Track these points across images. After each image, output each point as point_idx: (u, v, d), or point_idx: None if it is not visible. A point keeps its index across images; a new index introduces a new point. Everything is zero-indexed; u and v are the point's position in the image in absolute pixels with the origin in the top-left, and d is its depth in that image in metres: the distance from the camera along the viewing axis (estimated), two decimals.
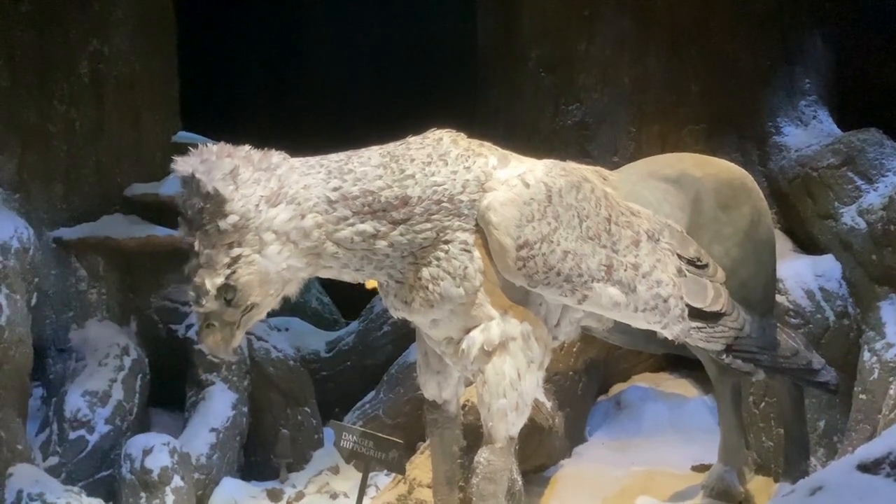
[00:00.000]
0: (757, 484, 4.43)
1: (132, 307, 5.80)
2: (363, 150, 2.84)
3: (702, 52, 6.00)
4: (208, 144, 2.69)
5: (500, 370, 2.88)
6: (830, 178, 5.11)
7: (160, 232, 5.74)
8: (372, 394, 5.81)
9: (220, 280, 2.61)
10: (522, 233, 2.80)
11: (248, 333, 5.65)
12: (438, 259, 2.80)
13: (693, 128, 5.97)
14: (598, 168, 3.34)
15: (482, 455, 2.91)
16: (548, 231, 2.84)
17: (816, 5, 6.19)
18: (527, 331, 2.91)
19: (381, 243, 2.74)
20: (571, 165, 3.11)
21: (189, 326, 5.56)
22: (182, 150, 6.59)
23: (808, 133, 5.80)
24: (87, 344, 5.34)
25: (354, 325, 6.66)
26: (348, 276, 2.84)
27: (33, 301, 4.71)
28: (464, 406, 3.63)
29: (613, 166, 3.74)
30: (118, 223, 5.76)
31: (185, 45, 6.68)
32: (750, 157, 5.80)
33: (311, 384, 5.80)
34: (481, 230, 2.82)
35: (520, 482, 3.83)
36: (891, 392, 3.13)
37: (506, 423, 2.90)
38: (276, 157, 2.72)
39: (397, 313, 2.99)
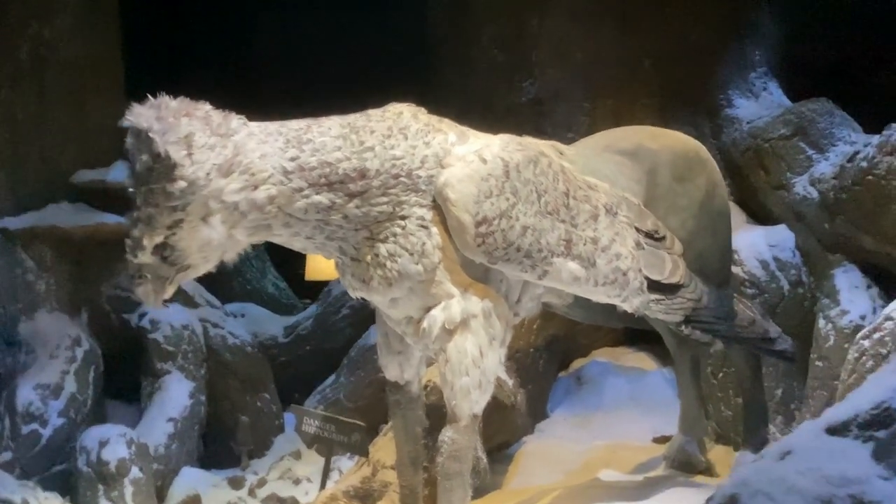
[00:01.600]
0: (717, 453, 4.47)
1: (82, 297, 5.66)
2: (324, 118, 2.77)
3: (653, 27, 6.02)
4: (166, 98, 2.57)
5: (462, 348, 2.86)
6: (782, 149, 5.16)
7: (109, 219, 5.62)
8: (332, 378, 5.78)
9: (158, 239, 2.54)
10: (481, 209, 2.77)
11: (203, 321, 5.61)
12: (395, 235, 2.76)
13: (646, 102, 5.98)
14: (553, 143, 3.33)
15: (446, 434, 2.90)
16: (506, 207, 2.82)
17: None
18: (488, 308, 2.89)
19: (336, 215, 2.69)
20: (528, 140, 3.09)
21: (142, 315, 5.47)
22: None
23: (758, 105, 5.86)
24: (38, 336, 5.22)
25: (312, 308, 6.61)
26: (298, 245, 2.78)
27: None
28: (425, 386, 3.62)
29: (568, 142, 3.72)
30: (65, 211, 5.62)
31: (128, 27, 6.52)
32: (702, 130, 5.84)
33: (270, 370, 5.74)
34: (439, 207, 2.79)
35: (484, 460, 3.84)
36: (849, 357, 3.16)
37: (469, 401, 2.88)
38: (236, 121, 2.64)
39: (355, 293, 2.94)
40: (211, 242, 2.59)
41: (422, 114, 2.90)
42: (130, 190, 2.56)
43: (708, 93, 5.94)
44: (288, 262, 8.38)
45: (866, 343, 3.07)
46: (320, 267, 9.23)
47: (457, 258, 2.83)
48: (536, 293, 3.17)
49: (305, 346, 6.41)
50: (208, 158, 2.54)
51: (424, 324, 2.87)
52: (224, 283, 7.14)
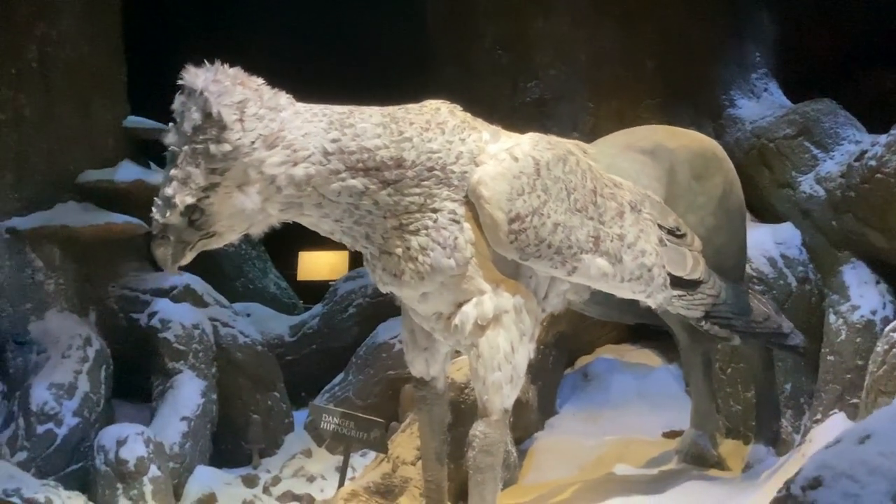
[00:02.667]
0: (728, 447, 4.54)
1: (91, 297, 5.66)
2: (366, 107, 2.81)
3: (655, 28, 6.09)
4: (223, 66, 2.60)
5: (494, 343, 2.89)
6: (787, 148, 5.23)
7: (117, 219, 5.62)
8: (341, 376, 5.80)
9: (190, 199, 2.55)
10: (514, 206, 2.81)
11: (213, 320, 5.62)
12: (427, 228, 2.78)
13: (649, 102, 6.05)
14: (577, 142, 3.38)
15: (478, 428, 2.92)
16: (538, 204, 2.86)
17: None
18: (519, 304, 2.93)
19: (367, 201, 2.71)
20: (555, 138, 3.13)
21: (152, 315, 5.46)
22: (133, 134, 6.43)
23: (760, 105, 5.94)
24: (48, 336, 5.20)
25: (318, 308, 6.63)
26: (326, 227, 2.79)
27: None
28: None
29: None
30: (73, 211, 5.61)
31: (130, 27, 6.52)
32: (705, 130, 5.88)
33: (279, 368, 5.74)
34: (471, 203, 2.83)
35: (514, 453, 3.88)
36: (878, 350, 3.23)
37: (501, 395, 2.91)
38: (284, 98, 2.68)
39: (386, 287, 2.95)
40: (243, 211, 2.60)
41: (458, 111, 2.95)
42: (171, 149, 2.57)
43: (710, 93, 6.02)
44: (280, 263, 8.40)
45: None
46: (312, 268, 9.27)
47: (488, 254, 2.86)
48: (562, 289, 3.21)
49: (311, 346, 6.43)
50: (255, 128, 2.57)
51: (457, 320, 2.90)
52: (227, 284, 7.16)
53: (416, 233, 2.78)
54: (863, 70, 6.57)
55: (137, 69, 6.58)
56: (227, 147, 2.54)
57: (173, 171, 2.56)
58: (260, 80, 2.66)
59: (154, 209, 2.60)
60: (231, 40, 8.54)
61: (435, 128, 2.83)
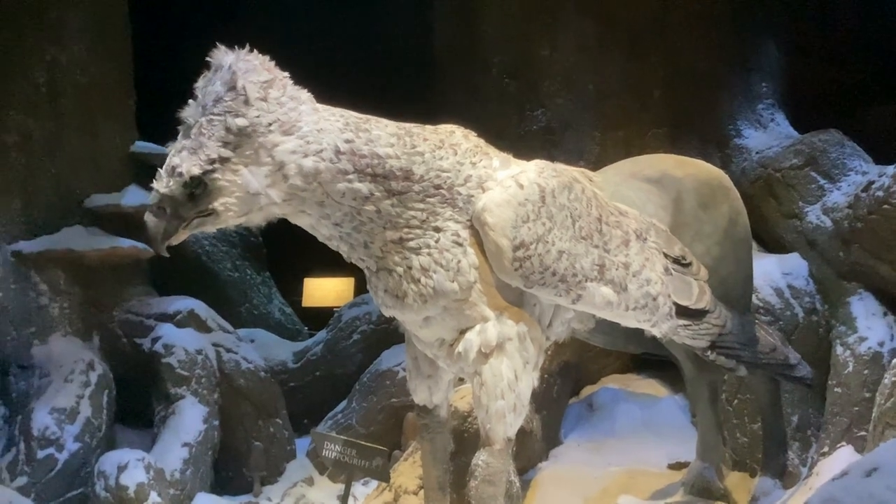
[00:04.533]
0: (734, 479, 4.49)
1: (95, 321, 5.64)
2: (383, 119, 2.82)
3: (662, 58, 6.12)
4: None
5: (497, 371, 2.86)
6: (794, 179, 5.23)
7: (123, 243, 5.62)
8: (344, 403, 5.76)
9: (197, 170, 2.52)
10: (518, 233, 2.79)
11: (216, 345, 5.59)
12: (429, 247, 2.76)
13: (656, 132, 6.07)
14: (583, 169, 3.38)
15: (480, 458, 2.88)
16: (543, 231, 2.85)
17: (769, 11, 6.35)
18: (523, 332, 2.91)
19: (370, 207, 2.69)
20: (561, 166, 3.13)
21: (155, 340, 5.44)
22: (141, 160, 6.45)
23: (767, 135, 5.94)
24: (52, 360, 5.18)
25: (322, 334, 6.60)
26: (324, 231, 2.76)
27: None
28: None
29: None
30: (79, 235, 5.60)
31: (139, 53, 6.56)
32: (712, 160, 5.86)
33: (282, 395, 5.71)
34: (476, 229, 2.81)
35: (517, 483, 3.83)
36: (885, 382, 3.20)
37: (504, 424, 2.88)
38: (305, 94, 2.69)
39: (389, 311, 2.93)
40: (247, 191, 2.57)
41: (472, 136, 2.95)
42: (188, 121, 2.56)
43: (717, 123, 6.03)
44: (285, 289, 8.39)
45: None
46: (317, 294, 9.26)
47: (492, 281, 2.85)
48: (567, 317, 3.19)
49: (315, 372, 6.40)
50: (275, 111, 2.58)
51: (460, 347, 2.87)
52: (232, 309, 7.15)
53: (417, 251, 2.76)
54: (869, 101, 6.58)
55: (146, 94, 6.61)
56: (244, 122, 2.54)
57: (184, 142, 2.56)
58: (286, 74, 2.68)
59: (155, 180, 2.58)
60: None
61: (448, 148, 2.84)
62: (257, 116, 2.55)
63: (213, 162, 2.53)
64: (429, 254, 2.76)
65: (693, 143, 5.99)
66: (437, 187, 2.77)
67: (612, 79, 6.16)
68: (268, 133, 2.57)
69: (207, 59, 2.60)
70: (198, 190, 2.55)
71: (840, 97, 6.49)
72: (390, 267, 2.79)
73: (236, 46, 2.61)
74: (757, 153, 5.68)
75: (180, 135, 2.59)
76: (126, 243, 5.58)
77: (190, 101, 2.60)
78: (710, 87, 6.11)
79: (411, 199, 2.73)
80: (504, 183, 2.86)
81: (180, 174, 2.53)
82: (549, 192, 2.90)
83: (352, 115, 2.74)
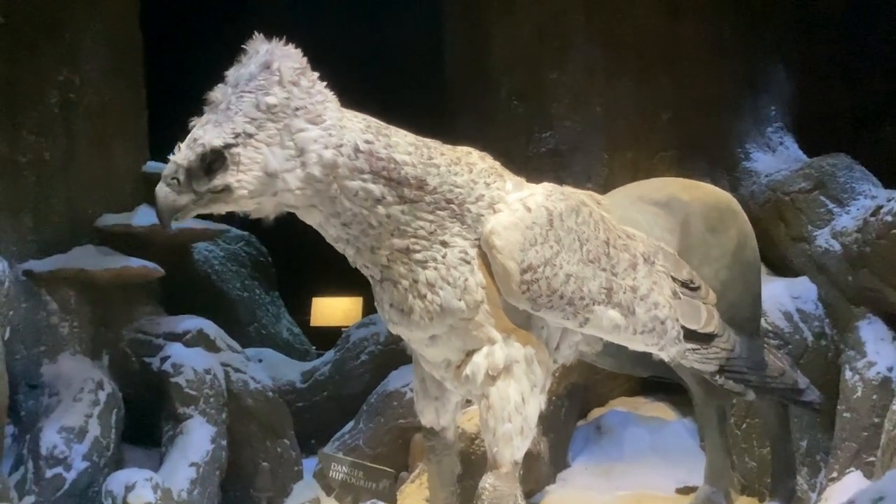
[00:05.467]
0: None
1: (104, 340, 5.65)
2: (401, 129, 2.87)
3: (671, 80, 6.14)
4: None
5: (504, 394, 2.87)
6: (802, 202, 5.23)
7: (133, 263, 5.63)
8: (351, 424, 5.75)
9: (218, 142, 2.54)
10: (526, 256, 2.81)
11: (224, 365, 5.60)
12: (436, 261, 2.77)
13: (664, 154, 6.08)
14: (591, 192, 3.39)
15: (487, 481, 2.87)
16: (550, 255, 2.86)
17: (778, 34, 6.37)
18: (530, 354, 2.92)
19: (381, 210, 2.70)
20: (569, 189, 3.15)
21: (164, 359, 5.45)
22: (153, 180, 6.51)
23: (776, 158, 5.95)
24: (61, 379, 5.18)
25: (330, 354, 6.60)
26: (332, 231, 2.76)
27: (6, 335, 4.57)
28: None
29: None
30: (90, 255, 5.62)
31: (151, 73, 6.61)
32: (720, 183, 5.89)
33: (290, 416, 5.70)
34: (484, 251, 2.83)
35: None
36: (893, 408, 3.19)
37: (511, 447, 2.88)
38: (332, 95, 2.75)
39: (395, 327, 2.93)
40: (264, 170, 2.58)
41: (488, 158, 2.99)
42: (216, 99, 2.61)
43: (725, 146, 6.04)
44: (293, 309, 8.41)
45: None
46: (325, 314, 9.28)
47: (500, 303, 2.85)
48: (574, 340, 3.19)
49: (323, 392, 6.40)
50: (304, 99, 2.63)
51: (468, 370, 2.88)
52: (240, 329, 7.16)
53: (423, 264, 2.77)
54: (879, 125, 6.59)
55: (158, 114, 6.66)
56: (274, 100, 2.58)
57: (209, 116, 2.60)
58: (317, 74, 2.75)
59: (174, 153, 2.61)
60: None
61: (464, 165, 2.87)
62: (287, 98, 2.60)
63: (237, 136, 2.57)
64: (435, 268, 2.77)
65: (702, 166, 6.00)
66: (449, 201, 2.79)
67: (620, 101, 6.18)
68: (294, 117, 2.61)
69: (243, 47, 2.66)
70: (216, 164, 2.56)
71: (849, 121, 6.51)
72: (395, 278, 2.79)
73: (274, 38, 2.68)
74: (766, 176, 5.69)
75: (206, 112, 2.63)
76: (136, 263, 5.60)
77: (221, 85, 2.65)
78: (718, 109, 6.13)
79: (421, 209, 2.76)
80: (512, 206, 2.88)
81: (201, 145, 2.56)
82: (557, 216, 2.92)
83: (373, 120, 2.79)
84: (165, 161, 6.74)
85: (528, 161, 6.16)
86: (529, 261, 2.80)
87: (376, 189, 2.69)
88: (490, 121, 6.53)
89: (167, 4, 7.39)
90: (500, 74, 6.54)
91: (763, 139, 6.08)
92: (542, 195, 2.95)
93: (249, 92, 2.58)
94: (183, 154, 2.58)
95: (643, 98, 6.16)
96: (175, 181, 2.59)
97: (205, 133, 2.56)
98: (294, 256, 8.65)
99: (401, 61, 8.23)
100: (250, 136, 2.57)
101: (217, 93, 2.64)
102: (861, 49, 6.62)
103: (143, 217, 5.88)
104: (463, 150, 2.94)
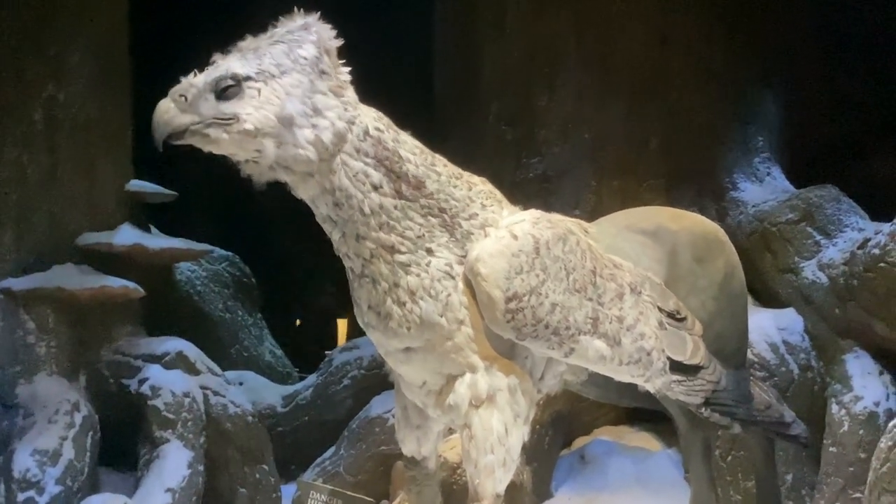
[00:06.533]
0: None
1: (82, 361, 5.55)
2: None
3: (660, 109, 6.15)
4: None
5: (487, 425, 2.82)
6: (790, 233, 5.23)
7: (114, 282, 5.54)
8: (332, 450, 5.68)
9: (242, 71, 2.51)
10: (511, 285, 2.76)
11: (204, 388, 5.52)
12: (419, 267, 2.72)
13: (652, 182, 6.08)
14: (578, 220, 3.35)
15: None
16: (536, 283, 2.82)
17: (767, 64, 6.40)
18: (514, 384, 2.87)
19: (375, 198, 2.66)
20: (556, 217, 3.11)
21: (142, 381, 5.36)
22: (136, 198, 6.40)
23: (763, 189, 5.96)
24: (36, 400, 5.08)
25: (312, 378, 6.53)
26: (323, 208, 2.70)
27: None
28: None
29: (576, 219, 3.76)
30: (70, 273, 5.53)
31: (137, 91, 6.56)
32: (708, 212, 5.89)
33: (269, 441, 5.62)
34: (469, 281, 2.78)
35: None
36: (881, 446, 3.15)
37: (493, 479, 2.82)
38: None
39: (372, 332, 2.85)
40: (280, 112, 2.53)
41: (489, 184, 3.00)
42: (245, 44, 2.60)
43: (713, 175, 6.05)
44: (277, 331, 8.34)
45: None
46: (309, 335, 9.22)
47: (483, 329, 2.80)
48: (559, 370, 3.15)
49: (304, 417, 6.32)
50: (331, 71, 2.63)
51: (450, 400, 2.83)
52: (222, 351, 7.08)
53: (406, 267, 2.71)
54: (866, 157, 6.61)
55: (144, 133, 6.60)
56: (306, 53, 2.58)
57: (238, 51, 2.59)
58: None
59: (192, 73, 2.56)
60: None
61: (464, 182, 2.87)
62: (317, 58, 2.60)
63: (261, 72, 2.54)
64: (418, 275, 2.72)
65: (689, 195, 6.01)
66: (442, 210, 2.76)
67: (609, 129, 6.19)
68: (318, 79, 2.60)
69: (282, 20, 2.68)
70: (231, 90, 2.51)
71: (837, 152, 6.52)
72: (376, 276, 2.73)
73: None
74: (753, 206, 5.69)
75: (234, 48, 2.62)
76: (116, 282, 5.51)
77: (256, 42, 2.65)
78: (707, 139, 6.14)
79: (414, 210, 2.72)
80: (498, 233, 2.84)
81: (223, 68, 2.52)
82: (544, 244, 2.88)
83: (385, 117, 2.80)
84: (150, 180, 6.63)
85: (516, 186, 6.13)
86: (515, 289, 2.76)
87: (376, 176, 2.66)
88: (478, 145, 6.51)
89: (157, 23, 7.37)
90: (489, 99, 6.54)
91: (751, 169, 6.09)
92: (528, 223, 2.91)
93: (283, 42, 2.60)
94: (199, 77, 2.54)
95: (632, 126, 6.17)
96: (182, 98, 2.52)
97: (227, 61, 2.55)
98: (279, 278, 8.62)
99: (389, 83, 8.22)
100: (274, 77, 2.55)
101: (247, 41, 2.63)
102: (849, 81, 6.65)
103: (124, 236, 5.81)
104: (466, 173, 2.93)
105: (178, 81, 2.60)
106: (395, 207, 2.69)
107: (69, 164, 5.82)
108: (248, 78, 2.52)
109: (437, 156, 2.86)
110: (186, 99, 2.52)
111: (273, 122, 2.54)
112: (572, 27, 6.31)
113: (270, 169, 2.62)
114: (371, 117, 2.71)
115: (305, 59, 2.59)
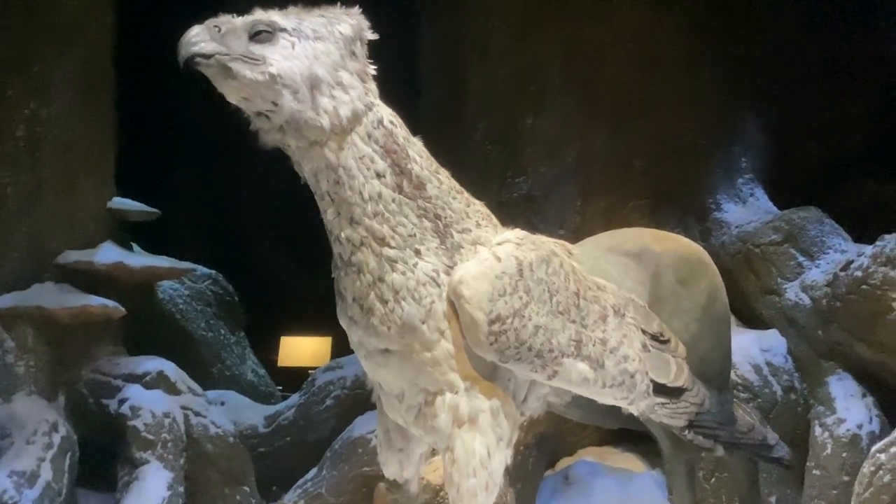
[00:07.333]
0: None
1: (61, 380, 5.49)
2: None
3: (645, 130, 6.18)
4: None
5: (470, 448, 2.79)
6: (773, 255, 5.24)
7: (94, 301, 5.50)
8: (314, 471, 5.62)
9: (280, 20, 2.56)
10: (494, 307, 2.74)
11: (184, 408, 5.47)
12: (406, 265, 2.70)
13: (637, 203, 6.09)
14: (562, 241, 3.35)
15: None
16: (519, 306, 2.80)
17: (751, 86, 6.44)
18: (496, 406, 2.84)
19: (375, 184, 2.66)
20: (540, 239, 3.10)
21: (122, 401, 5.31)
22: (118, 216, 6.36)
23: (746, 210, 5.98)
24: (14, 420, 5.02)
25: (295, 398, 6.48)
26: (324, 184, 2.68)
27: None
28: None
29: (560, 239, 3.75)
30: (50, 292, 5.48)
31: (121, 110, 6.53)
32: (692, 233, 5.92)
33: (251, 462, 5.56)
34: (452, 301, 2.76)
35: None
36: (864, 471, 3.14)
37: (476, 503, 2.80)
38: None
39: (354, 329, 2.81)
40: (307, 68, 2.55)
41: (486, 208, 3.00)
42: (288, 10, 2.64)
43: (697, 196, 6.07)
44: (261, 348, 8.29)
45: (883, 457, 3.06)
46: (293, 354, 9.16)
47: (464, 347, 2.77)
48: (542, 393, 3.13)
49: (286, 437, 6.26)
50: (363, 60, 2.69)
51: (433, 423, 2.81)
52: (204, 370, 7.02)
53: (393, 263, 2.69)
54: (849, 179, 6.65)
55: (126, 151, 6.57)
56: (341, 30, 2.63)
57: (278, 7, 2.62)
58: None
59: (233, 14, 2.59)
60: (222, 124, 8.58)
61: (465, 198, 2.89)
62: (352, 39, 2.65)
63: (298, 31, 2.58)
64: (403, 273, 2.69)
65: (674, 216, 6.03)
66: (437, 216, 2.76)
67: (594, 149, 6.21)
68: (350, 59, 2.63)
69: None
70: (264, 35, 2.54)
71: (820, 174, 6.56)
72: (362, 266, 2.70)
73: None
74: (736, 227, 5.71)
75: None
76: (97, 301, 5.47)
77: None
78: (691, 159, 6.17)
79: (410, 208, 2.71)
80: (481, 255, 2.82)
81: (262, 14, 2.57)
82: (528, 266, 2.87)
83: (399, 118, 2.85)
84: (133, 198, 6.55)
85: (501, 206, 6.08)
86: (498, 311, 2.74)
87: (381, 164, 2.67)
88: (464, 165, 6.46)
89: (141, 41, 7.34)
90: (475, 118, 6.55)
91: (734, 190, 6.12)
92: (512, 244, 2.89)
93: (322, 16, 2.65)
94: (238, 18, 2.57)
95: (617, 146, 6.19)
96: (216, 28, 2.54)
97: (268, 11, 2.59)
98: (262, 295, 8.57)
99: None
100: (308, 38, 2.59)
101: (290, 8, 2.66)
102: (833, 103, 6.70)
103: (106, 254, 5.78)
104: (469, 194, 2.94)
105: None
106: (393, 200, 2.68)
107: (51, 182, 5.79)
108: (283, 29, 2.57)
109: (442, 168, 2.88)
110: (220, 30, 2.55)
111: (297, 76, 2.56)
112: (558, 48, 6.33)
113: (279, 130, 2.63)
114: (388, 112, 2.75)
115: (341, 34, 2.64)
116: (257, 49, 2.54)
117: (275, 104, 2.57)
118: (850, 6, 6.80)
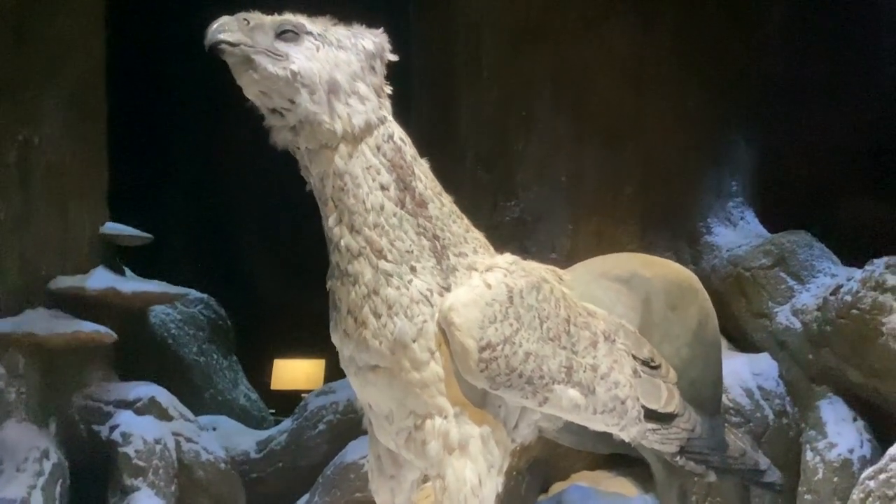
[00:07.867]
0: None
1: (52, 407, 5.48)
2: None
3: (635, 153, 6.20)
4: None
5: (461, 476, 2.79)
6: (763, 278, 5.26)
7: (86, 327, 5.50)
8: (306, 497, 5.60)
9: (306, 24, 2.62)
10: (485, 334, 2.75)
11: (176, 434, 5.45)
12: (401, 280, 2.70)
13: (628, 226, 6.10)
14: (552, 267, 3.36)
15: None
16: (510, 332, 2.81)
17: (741, 109, 6.48)
18: (486, 433, 2.85)
19: (379, 196, 2.68)
20: (531, 265, 3.11)
21: (113, 428, 5.29)
22: (110, 241, 6.36)
23: (737, 233, 6.00)
24: (4, 447, 5.00)
25: (287, 423, 6.46)
26: (329, 189, 2.70)
27: None
28: None
29: (552, 263, 3.76)
30: (41, 318, 5.48)
31: (113, 135, 6.54)
32: (682, 256, 5.94)
33: (243, 489, 5.54)
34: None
35: None
36: (854, 498, 3.15)
37: None
38: None
39: (346, 343, 2.79)
40: (329, 73, 2.61)
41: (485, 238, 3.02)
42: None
43: (688, 219, 6.09)
44: (254, 371, 8.27)
45: (872, 484, 3.06)
46: (286, 377, 9.13)
47: (453, 373, 2.77)
48: (533, 419, 3.13)
49: (278, 463, 6.22)
50: (379, 74, 2.75)
51: (423, 448, 2.80)
52: (196, 395, 7.00)
53: (388, 277, 2.69)
54: (839, 202, 6.68)
55: (119, 176, 6.58)
56: (364, 44, 2.70)
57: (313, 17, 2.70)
58: None
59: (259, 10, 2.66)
60: (214, 144, 8.59)
61: (465, 224, 2.91)
62: (374, 55, 2.72)
63: (323, 37, 2.64)
64: (398, 288, 2.70)
65: (664, 239, 6.04)
66: (436, 237, 2.78)
67: (585, 172, 6.22)
68: (369, 72, 2.71)
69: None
70: (290, 35, 2.61)
71: (810, 197, 6.59)
72: (357, 277, 2.71)
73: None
74: (727, 251, 5.73)
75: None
76: (88, 327, 5.47)
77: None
78: (681, 183, 6.19)
79: (411, 225, 2.73)
80: (472, 282, 2.83)
81: (289, 16, 2.63)
82: (518, 293, 2.88)
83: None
84: (126, 223, 6.54)
85: (492, 230, 6.06)
86: (488, 338, 2.75)
87: (386, 177, 2.70)
88: (455, 188, 6.44)
89: (133, 66, 7.37)
90: (465, 142, 6.57)
91: (724, 213, 6.14)
92: (502, 271, 2.91)
93: (348, 30, 2.72)
94: (268, 17, 2.64)
95: (607, 169, 6.21)
96: (245, 21, 2.59)
97: (296, 15, 2.66)
98: (254, 319, 8.56)
99: None
100: (332, 45, 2.65)
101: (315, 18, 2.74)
102: (823, 126, 6.74)
103: (98, 280, 5.78)
104: (469, 222, 2.97)
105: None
106: (394, 214, 2.71)
107: (43, 208, 5.80)
108: (309, 33, 2.64)
109: (445, 193, 2.91)
110: (249, 23, 2.60)
111: (317, 78, 2.61)
112: (548, 71, 6.36)
113: (292, 130, 2.66)
114: (399, 129, 2.79)
115: (364, 48, 2.71)
116: (282, 46, 2.61)
117: (291, 102, 2.62)
118: (842, 29, 6.86)
